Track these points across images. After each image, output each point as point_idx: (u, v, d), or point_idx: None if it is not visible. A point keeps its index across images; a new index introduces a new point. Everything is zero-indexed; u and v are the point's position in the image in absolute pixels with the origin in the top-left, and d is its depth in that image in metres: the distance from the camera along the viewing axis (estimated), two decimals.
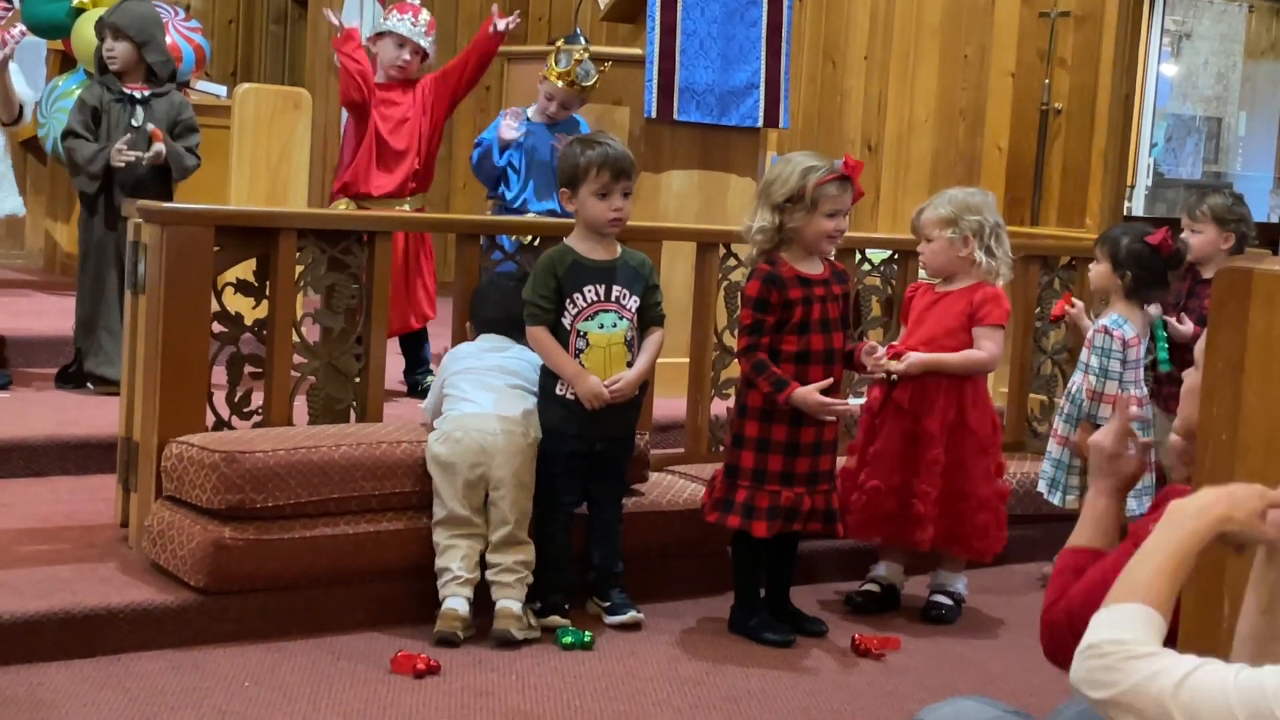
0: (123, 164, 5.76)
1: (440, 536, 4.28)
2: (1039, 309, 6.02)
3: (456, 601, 4.21)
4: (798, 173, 4.32)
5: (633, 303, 4.44)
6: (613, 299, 4.42)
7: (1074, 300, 5.39)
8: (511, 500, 4.30)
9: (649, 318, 4.49)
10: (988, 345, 4.69)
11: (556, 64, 6.03)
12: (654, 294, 4.51)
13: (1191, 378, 2.45)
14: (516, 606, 4.26)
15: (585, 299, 4.40)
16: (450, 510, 4.27)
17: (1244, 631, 1.95)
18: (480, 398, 4.40)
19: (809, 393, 4.24)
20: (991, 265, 4.69)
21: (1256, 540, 1.91)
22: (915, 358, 4.63)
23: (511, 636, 4.20)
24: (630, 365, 4.45)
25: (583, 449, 4.44)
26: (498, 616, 4.23)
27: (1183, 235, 5.42)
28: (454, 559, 4.24)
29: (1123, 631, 1.83)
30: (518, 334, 4.57)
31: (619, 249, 4.48)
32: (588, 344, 4.41)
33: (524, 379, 4.52)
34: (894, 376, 4.65)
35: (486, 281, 4.82)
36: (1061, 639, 2.36)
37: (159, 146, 5.79)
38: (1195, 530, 1.91)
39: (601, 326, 4.42)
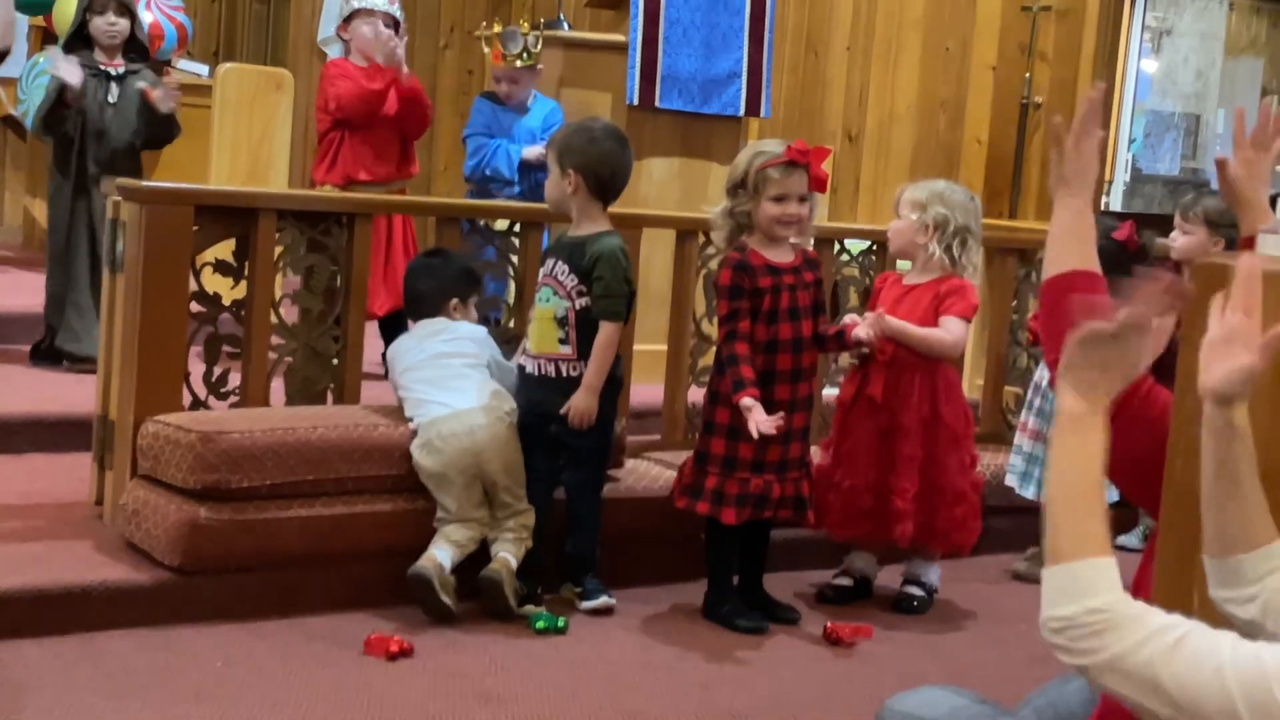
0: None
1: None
2: (1015, 302, 6.06)
3: (441, 553, 4.26)
4: (746, 158, 4.37)
5: (571, 280, 4.44)
6: (552, 274, 4.46)
7: None
8: (508, 486, 4.37)
9: (595, 310, 4.45)
10: (952, 328, 4.70)
11: (486, 46, 6.29)
12: (598, 284, 4.42)
13: None
14: (512, 560, 4.32)
15: (542, 272, 4.53)
16: (453, 514, 4.34)
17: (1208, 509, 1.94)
18: (444, 397, 4.41)
19: (750, 411, 4.24)
20: (945, 265, 4.69)
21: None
22: (886, 320, 4.60)
23: (500, 577, 4.26)
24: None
25: (536, 424, 4.48)
26: (493, 561, 4.31)
27: (1173, 234, 5.46)
28: (453, 530, 4.32)
29: (1093, 598, 1.81)
30: (447, 309, 4.65)
31: (597, 229, 4.48)
32: (533, 315, 4.53)
33: (470, 355, 4.54)
34: (865, 350, 4.66)
35: (411, 266, 4.87)
36: None
37: (166, 97, 5.92)
38: (1094, 428, 1.90)
39: (540, 300, 4.51)
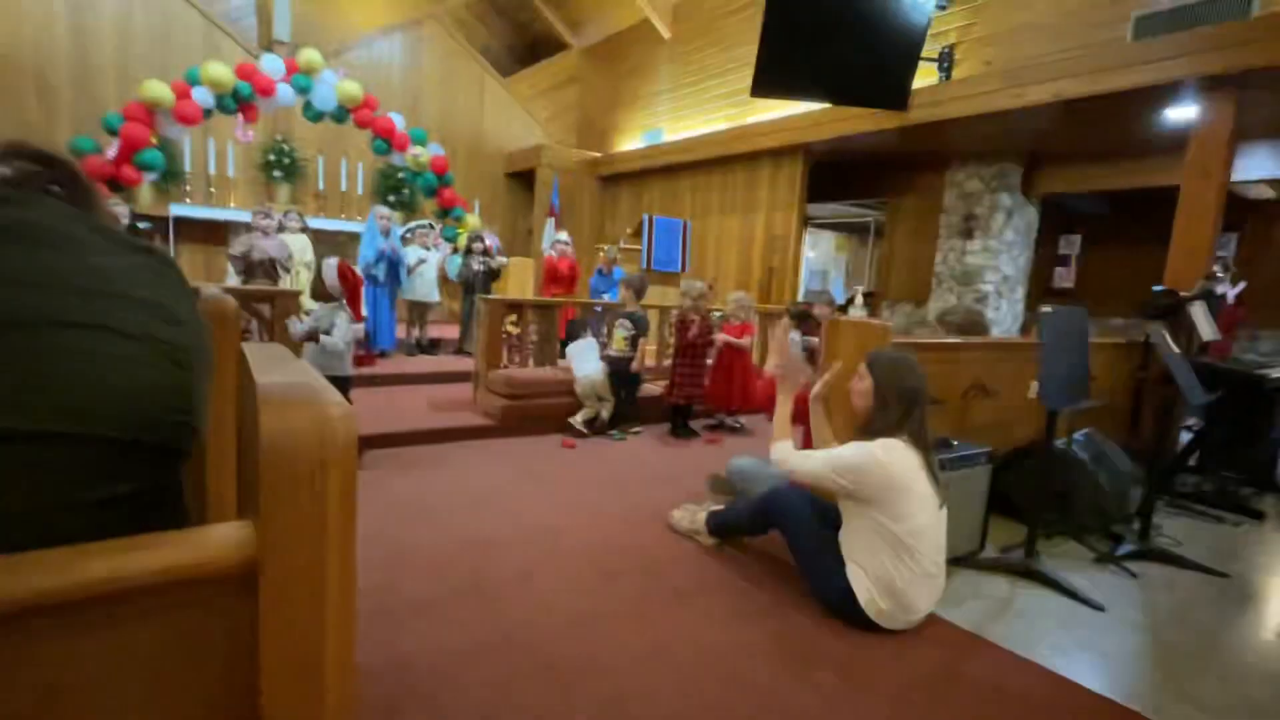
0: None
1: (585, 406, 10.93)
2: None
3: (579, 417, 10.49)
4: None
5: (629, 326, 10.44)
6: (621, 323, 10.77)
7: None
8: (603, 396, 10.40)
9: (639, 335, 10.25)
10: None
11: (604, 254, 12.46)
12: (641, 325, 10.19)
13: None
14: (606, 415, 10.40)
15: (619, 321, 10.58)
16: (588, 401, 10.45)
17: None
18: (581, 367, 10.61)
19: None
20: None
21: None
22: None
23: (607, 420, 10.47)
24: (629, 347, 10.48)
25: (615, 372, 10.53)
26: (604, 415, 10.38)
27: (818, 309, 9.88)
28: (586, 411, 10.52)
29: (781, 453, 4.83)
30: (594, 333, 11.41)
31: (631, 308, 11.21)
32: (614, 336, 10.62)
33: (588, 341, 10.95)
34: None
35: (570, 327, 11.36)
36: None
37: None
38: (783, 404, 4.99)
39: (619, 329, 10.38)
